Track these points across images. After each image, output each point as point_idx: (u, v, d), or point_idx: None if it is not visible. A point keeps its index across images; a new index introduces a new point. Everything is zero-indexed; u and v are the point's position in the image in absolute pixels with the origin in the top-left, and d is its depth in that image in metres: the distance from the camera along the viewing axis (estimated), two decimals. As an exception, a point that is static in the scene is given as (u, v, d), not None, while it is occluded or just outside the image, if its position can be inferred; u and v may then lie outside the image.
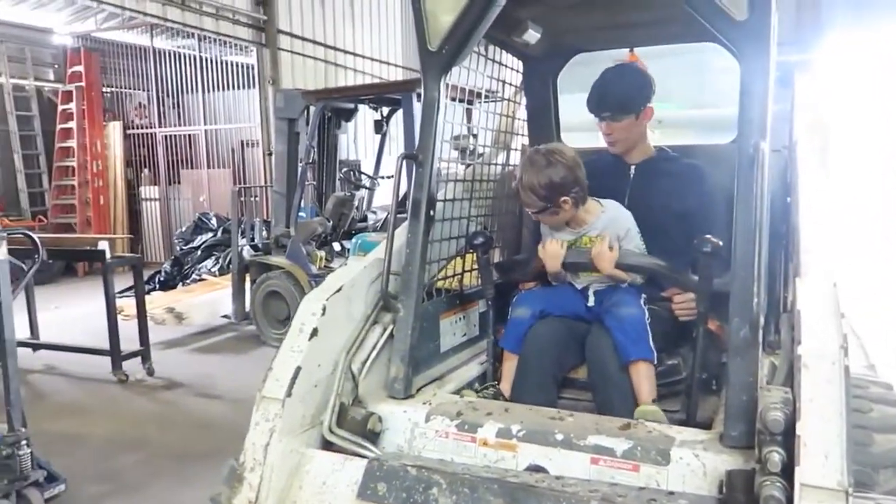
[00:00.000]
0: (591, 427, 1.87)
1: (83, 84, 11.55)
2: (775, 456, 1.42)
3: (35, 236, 3.65)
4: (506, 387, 2.36)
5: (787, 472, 1.39)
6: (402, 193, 2.43)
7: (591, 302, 2.39)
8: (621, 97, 2.53)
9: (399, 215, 2.31)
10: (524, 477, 1.69)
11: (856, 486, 2.05)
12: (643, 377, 2.19)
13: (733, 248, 1.80)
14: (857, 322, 6.58)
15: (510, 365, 2.38)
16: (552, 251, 2.36)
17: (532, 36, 2.71)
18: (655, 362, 2.22)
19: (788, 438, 1.42)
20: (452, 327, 2.56)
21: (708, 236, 2.07)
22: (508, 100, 3.11)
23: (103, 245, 5.34)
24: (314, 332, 1.95)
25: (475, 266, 2.63)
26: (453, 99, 2.60)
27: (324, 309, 1.99)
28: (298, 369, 1.88)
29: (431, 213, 2.25)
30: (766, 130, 1.82)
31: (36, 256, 3.61)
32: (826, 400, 1.40)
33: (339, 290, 2.06)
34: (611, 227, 2.40)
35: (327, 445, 1.95)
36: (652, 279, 2.41)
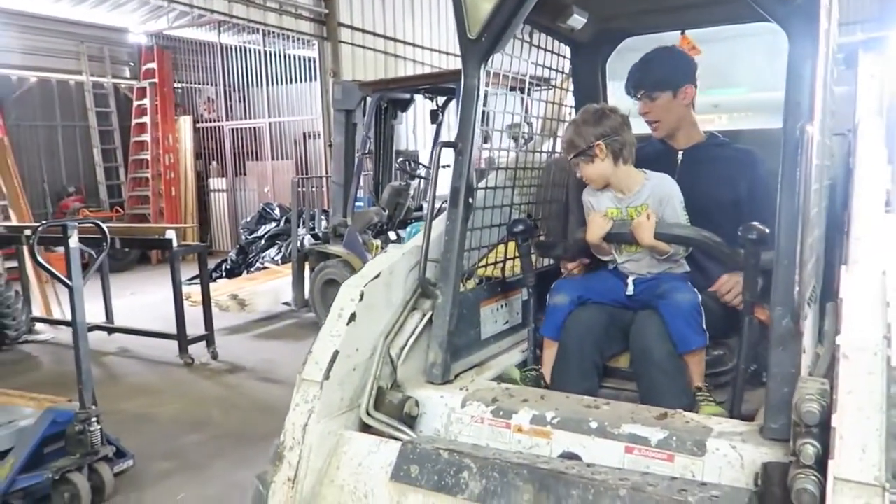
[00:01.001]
0: (626, 416, 1.84)
1: (156, 80, 12.11)
2: (809, 448, 1.37)
3: (104, 226, 3.86)
4: (548, 373, 2.36)
5: (823, 465, 1.35)
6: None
7: (630, 290, 2.35)
8: (657, 75, 2.50)
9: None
10: (555, 463, 1.68)
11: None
12: (696, 362, 2.17)
13: (776, 235, 1.74)
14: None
15: (550, 352, 2.37)
16: (596, 220, 2.34)
17: (577, 21, 2.68)
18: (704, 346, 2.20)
19: (824, 431, 1.37)
20: (494, 315, 2.57)
21: (755, 223, 2.00)
22: (556, 87, 3.08)
23: (170, 234, 5.59)
24: (352, 318, 1.99)
25: (518, 254, 2.62)
26: (511, 88, 2.61)
27: (362, 295, 2.03)
28: (336, 353, 1.93)
29: (470, 200, 2.26)
30: (815, 113, 1.74)
31: (104, 244, 3.82)
32: (865, 392, 1.34)
33: (377, 277, 2.10)
34: (654, 194, 2.36)
35: (365, 428, 1.99)
36: (694, 252, 2.36)
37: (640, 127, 2.69)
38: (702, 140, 2.61)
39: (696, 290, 2.25)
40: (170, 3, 9.84)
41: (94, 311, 6.50)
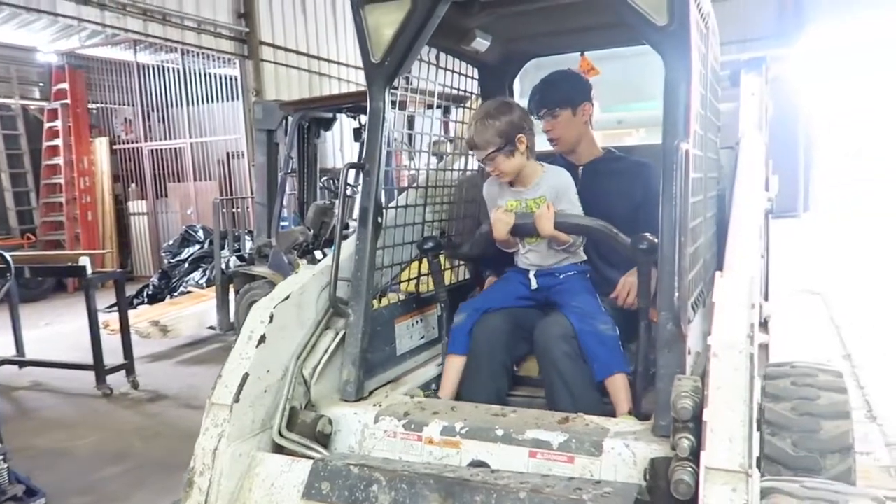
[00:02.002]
0: (531, 422, 1.93)
1: (69, 101, 11.60)
2: (685, 442, 1.49)
3: (7, 255, 3.70)
4: (446, 392, 2.41)
5: (698, 456, 1.46)
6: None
7: (533, 285, 2.46)
8: (558, 94, 2.65)
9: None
10: (461, 472, 1.74)
11: (803, 470, 2.12)
12: (620, 389, 2.22)
13: (660, 245, 1.87)
14: (839, 314, 6.69)
15: (453, 367, 2.43)
16: (500, 217, 2.40)
17: (481, 44, 2.78)
18: (630, 373, 2.24)
19: (698, 425, 1.49)
20: (409, 330, 2.62)
21: (645, 234, 2.13)
22: (466, 106, 3.18)
23: (84, 261, 5.39)
24: (262, 340, 2.01)
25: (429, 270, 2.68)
26: (429, 107, 2.68)
27: (271, 316, 2.05)
28: (246, 376, 1.94)
29: (379, 220, 2.31)
30: (690, 132, 1.88)
31: (8, 275, 3.67)
32: (732, 387, 1.46)
33: (287, 298, 2.12)
34: (551, 186, 2.46)
35: (279, 449, 2.00)
36: (594, 259, 2.51)
37: (541, 144, 2.82)
38: (600, 155, 2.76)
39: (611, 319, 2.33)
40: (80, 21, 9.51)
41: (3, 344, 6.19)
